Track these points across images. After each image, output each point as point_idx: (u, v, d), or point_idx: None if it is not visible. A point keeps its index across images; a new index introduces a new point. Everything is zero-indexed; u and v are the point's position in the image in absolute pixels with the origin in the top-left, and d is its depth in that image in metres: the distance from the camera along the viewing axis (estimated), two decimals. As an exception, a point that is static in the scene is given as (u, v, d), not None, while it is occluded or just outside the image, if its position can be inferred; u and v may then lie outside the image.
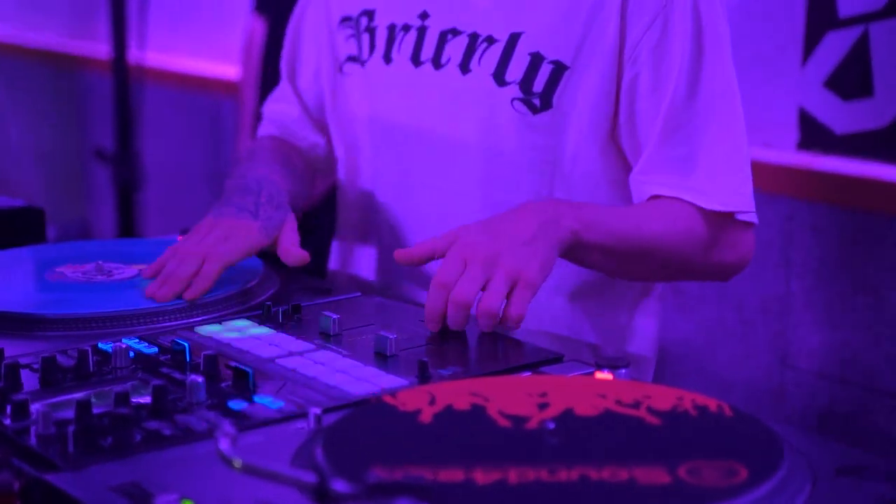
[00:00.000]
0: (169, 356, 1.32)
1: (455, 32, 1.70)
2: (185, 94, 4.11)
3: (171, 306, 1.48)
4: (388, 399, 1.16)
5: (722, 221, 1.63)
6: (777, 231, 2.47)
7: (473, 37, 1.68)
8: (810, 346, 2.44)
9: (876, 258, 2.34)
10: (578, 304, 1.70)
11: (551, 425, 1.09)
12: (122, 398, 1.16)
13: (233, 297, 1.54)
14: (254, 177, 1.69)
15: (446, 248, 1.46)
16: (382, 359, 1.33)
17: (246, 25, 3.15)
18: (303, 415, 1.15)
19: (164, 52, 4.07)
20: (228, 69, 3.78)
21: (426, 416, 1.12)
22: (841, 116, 2.39)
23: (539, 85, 1.64)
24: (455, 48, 1.69)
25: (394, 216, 1.78)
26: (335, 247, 1.92)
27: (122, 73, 3.68)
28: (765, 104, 2.49)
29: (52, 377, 1.25)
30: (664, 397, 1.16)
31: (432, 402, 1.15)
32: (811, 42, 2.40)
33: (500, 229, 1.48)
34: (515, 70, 1.65)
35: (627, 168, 1.68)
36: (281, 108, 1.94)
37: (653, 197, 1.64)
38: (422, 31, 1.73)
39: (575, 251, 1.53)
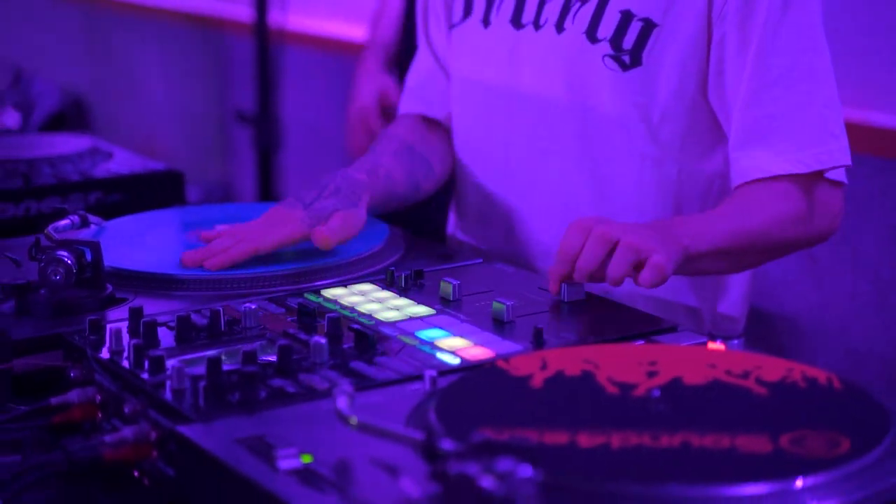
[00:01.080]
0: (295, 318, 1.39)
1: None
2: (324, 56, 4.18)
3: (298, 269, 1.55)
4: (501, 364, 1.21)
5: (813, 183, 1.64)
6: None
7: None
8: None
9: None
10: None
11: (657, 393, 1.13)
12: (250, 357, 1.22)
13: (357, 262, 1.60)
14: (335, 174, 1.72)
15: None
16: (499, 325, 1.38)
17: None
18: (419, 377, 1.20)
19: (304, 14, 4.14)
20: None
21: (537, 381, 1.17)
22: None
23: (629, 42, 1.67)
24: (552, 9, 1.73)
25: (492, 177, 1.83)
26: (452, 212, 1.97)
27: (264, 36, 3.77)
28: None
29: (187, 335, 1.33)
30: (774, 368, 1.19)
31: (544, 367, 1.20)
32: None
33: (632, 225, 1.51)
34: (606, 27, 1.68)
35: (716, 127, 1.70)
36: (421, 71, 1.97)
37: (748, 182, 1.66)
38: None
39: (686, 263, 1.53)
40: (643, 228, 1.49)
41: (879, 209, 2.48)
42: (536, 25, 1.74)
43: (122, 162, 2.16)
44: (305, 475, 1.01)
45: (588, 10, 1.70)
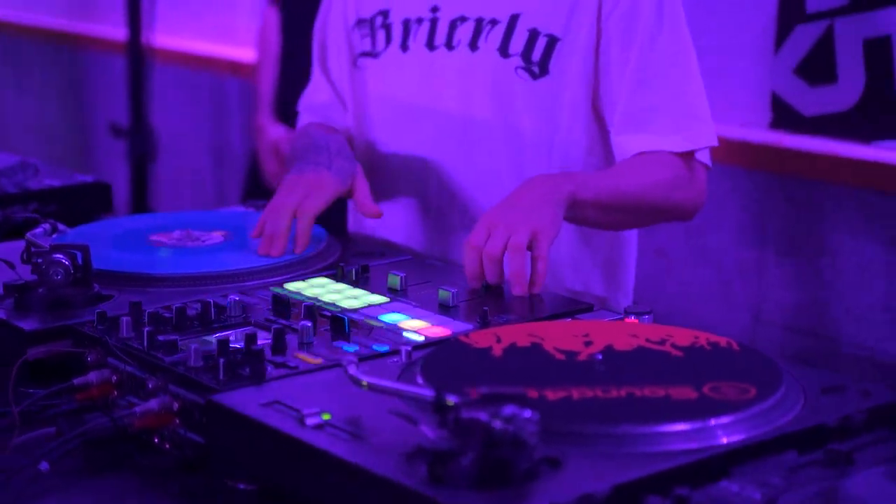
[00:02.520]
0: (270, 307, 1.60)
1: (463, 19, 1.99)
2: (190, 72, 4.35)
3: (263, 265, 1.77)
4: (462, 339, 1.45)
5: (684, 162, 1.93)
6: (754, 201, 2.76)
7: (479, 21, 1.97)
8: (783, 303, 2.74)
9: (836, 224, 2.64)
10: (582, 272, 2.00)
11: (599, 357, 1.38)
12: (252, 338, 1.43)
13: (304, 261, 1.81)
14: (319, 135, 1.98)
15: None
16: (446, 308, 1.61)
17: (262, 14, 3.42)
18: (396, 352, 1.43)
19: (171, 33, 4.31)
20: (231, 50, 4.06)
21: (497, 352, 1.41)
22: (808, 100, 2.67)
23: (537, 55, 1.94)
24: (464, 32, 1.98)
25: (412, 184, 2.06)
26: (353, 211, 2.20)
27: (137, 53, 3.94)
28: (741, 88, 2.78)
29: (183, 323, 1.53)
30: (684, 336, 1.45)
31: (499, 340, 1.44)
32: (783, 34, 2.69)
33: (513, 203, 1.77)
34: (517, 44, 1.94)
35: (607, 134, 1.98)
36: (319, 99, 2.21)
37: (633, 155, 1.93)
38: (434, 22, 2.01)
39: (574, 209, 1.80)
40: (523, 213, 1.73)
41: (729, 209, 2.80)
42: (449, 46, 1.99)
43: (51, 175, 2.32)
44: (331, 429, 1.23)
45: (499, 31, 1.95)
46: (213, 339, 1.47)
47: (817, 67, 2.65)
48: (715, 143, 1.94)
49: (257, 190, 3.12)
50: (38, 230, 1.82)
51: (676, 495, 1.08)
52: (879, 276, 2.58)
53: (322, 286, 1.70)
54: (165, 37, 4.21)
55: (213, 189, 4.31)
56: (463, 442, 1.14)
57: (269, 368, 1.39)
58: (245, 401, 1.31)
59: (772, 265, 2.75)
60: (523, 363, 1.39)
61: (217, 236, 1.90)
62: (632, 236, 2.08)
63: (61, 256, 1.63)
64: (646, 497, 1.09)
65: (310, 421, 1.24)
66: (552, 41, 1.93)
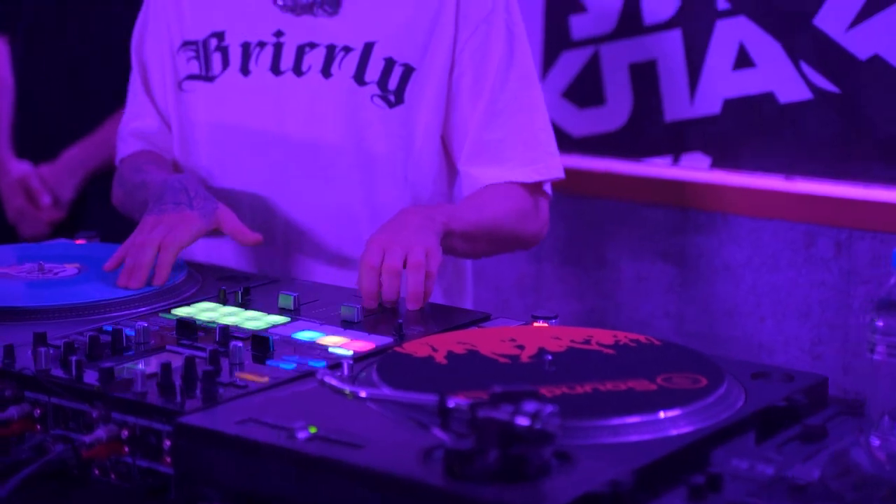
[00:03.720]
0: (174, 332, 1.56)
1: (312, 45, 1.98)
2: None
3: (141, 294, 1.70)
4: (399, 350, 1.46)
5: (533, 192, 2.01)
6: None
7: (331, 48, 1.98)
8: (561, 314, 2.84)
9: (612, 237, 2.78)
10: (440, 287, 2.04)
11: (549, 357, 1.42)
12: (191, 361, 1.38)
13: (173, 290, 1.76)
14: (173, 178, 1.91)
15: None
16: (350, 324, 1.61)
17: None
18: (337, 366, 1.42)
19: None
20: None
21: (440, 359, 1.43)
22: (578, 122, 2.81)
23: (393, 84, 1.97)
24: (314, 58, 1.98)
25: (255, 215, 2.02)
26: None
27: None
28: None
29: (96, 352, 1.46)
30: (603, 336, 1.51)
31: (435, 350, 1.46)
32: (549, 60, 2.81)
33: (401, 225, 1.79)
34: (373, 72, 1.97)
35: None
36: (145, 124, 2.14)
37: (484, 186, 1.99)
38: (278, 47, 2.00)
39: (445, 239, 1.83)
40: (414, 234, 1.76)
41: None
42: (298, 72, 1.98)
43: None
44: (324, 441, 1.22)
45: (354, 58, 1.96)
46: (138, 365, 1.42)
47: (585, 91, 2.78)
48: (562, 175, 2.02)
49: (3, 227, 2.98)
50: None
51: (709, 474, 1.13)
52: (657, 286, 2.73)
53: (213, 310, 1.66)
54: None
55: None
56: (482, 440, 1.16)
57: (219, 390, 1.36)
58: (218, 421, 1.27)
59: (550, 279, 2.86)
60: (472, 369, 1.41)
61: (72, 268, 1.82)
62: (468, 264, 2.14)
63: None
64: (678, 476, 1.15)
65: (300, 434, 1.23)
66: (408, 70, 1.96)
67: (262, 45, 2.00)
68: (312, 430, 1.24)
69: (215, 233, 1.87)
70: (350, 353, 1.50)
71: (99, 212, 2.74)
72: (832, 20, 2.49)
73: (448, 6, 1.96)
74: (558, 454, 1.19)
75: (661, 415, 1.27)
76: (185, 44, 2.05)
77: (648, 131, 2.73)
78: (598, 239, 2.80)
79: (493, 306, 2.91)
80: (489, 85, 1.97)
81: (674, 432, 1.25)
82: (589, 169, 2.78)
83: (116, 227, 2.14)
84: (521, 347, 1.47)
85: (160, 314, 1.64)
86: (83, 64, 2.85)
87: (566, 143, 2.80)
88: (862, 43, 2.47)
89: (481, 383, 1.33)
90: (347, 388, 1.27)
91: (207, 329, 1.56)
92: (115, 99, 2.44)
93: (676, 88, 2.67)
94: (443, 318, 1.68)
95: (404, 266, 1.71)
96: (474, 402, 1.17)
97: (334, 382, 1.27)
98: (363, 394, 1.25)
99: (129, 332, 1.52)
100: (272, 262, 2.02)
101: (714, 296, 2.66)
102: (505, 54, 1.97)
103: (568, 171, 2.74)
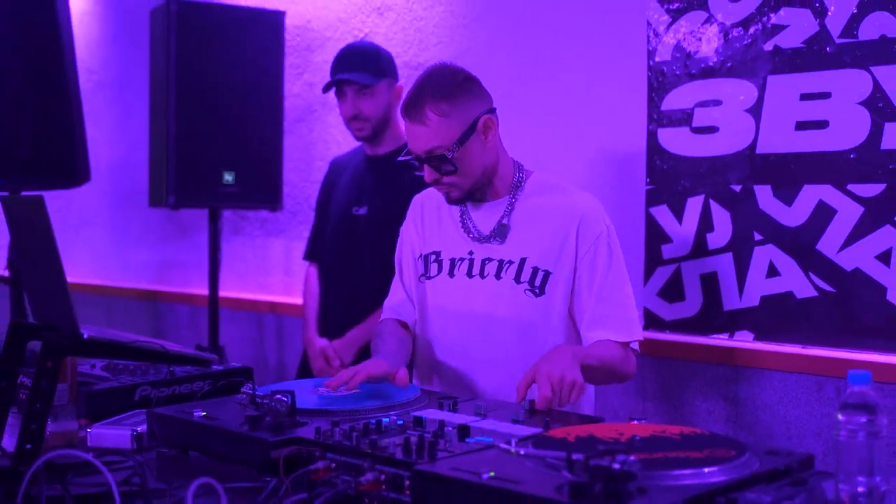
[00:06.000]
0: (412, 424, 1.73)
1: (489, 260, 2.19)
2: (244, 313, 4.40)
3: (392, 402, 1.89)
4: (546, 434, 1.60)
5: (625, 347, 2.13)
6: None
7: (500, 261, 2.18)
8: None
9: (689, 385, 2.82)
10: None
11: (638, 438, 1.54)
12: (436, 434, 1.55)
13: (413, 401, 1.93)
14: (388, 345, 2.15)
15: (534, 375, 1.90)
16: (517, 421, 1.74)
17: (306, 269, 3.46)
18: (508, 442, 1.56)
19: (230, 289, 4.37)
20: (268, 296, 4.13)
21: (571, 438, 1.56)
22: (667, 311, 2.86)
23: (537, 282, 2.15)
24: (491, 268, 2.18)
25: (455, 359, 2.22)
26: (414, 372, 2.34)
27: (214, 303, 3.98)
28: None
29: (367, 431, 1.64)
30: (673, 429, 1.62)
31: (568, 434, 1.59)
32: (649, 272, 2.91)
33: (556, 357, 1.94)
34: (525, 276, 2.15)
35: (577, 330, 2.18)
36: (397, 299, 2.35)
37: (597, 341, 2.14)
38: (471, 261, 2.21)
39: (582, 371, 1.99)
40: (563, 363, 1.91)
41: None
42: (482, 276, 2.19)
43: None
44: (498, 479, 1.36)
45: (514, 268, 2.17)
46: (386, 440, 1.59)
47: (671, 292, 2.87)
48: (641, 337, 2.16)
49: (306, 375, 3.16)
50: (246, 387, 1.91)
51: (729, 498, 1.24)
52: (718, 418, 2.76)
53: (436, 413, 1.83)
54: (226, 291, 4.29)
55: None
56: (592, 477, 1.29)
57: (439, 453, 1.51)
58: (437, 468, 1.43)
59: (650, 413, 2.91)
60: (594, 444, 1.54)
61: (347, 393, 2.01)
62: (591, 386, 2.27)
63: (282, 397, 1.74)
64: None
65: (485, 476, 1.37)
66: (547, 274, 2.16)
67: (461, 259, 2.23)
68: (492, 473, 1.39)
69: (389, 377, 2.00)
70: (517, 436, 1.64)
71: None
72: (828, 245, 2.56)
73: (571, 234, 2.14)
74: (639, 489, 1.30)
75: (705, 470, 1.38)
76: (421, 255, 2.30)
77: (712, 317, 2.80)
78: (680, 386, 2.86)
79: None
80: (597, 283, 2.14)
81: (711, 480, 1.36)
82: (674, 341, 2.85)
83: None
84: (621, 433, 1.59)
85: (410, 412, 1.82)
86: (365, 282, 2.96)
87: (659, 324, 2.90)
88: (848, 260, 2.53)
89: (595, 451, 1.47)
90: (514, 450, 1.41)
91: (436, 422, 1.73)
92: (378, 294, 2.59)
93: (729, 290, 2.75)
94: (574, 418, 1.81)
95: None
96: (587, 455, 1.31)
97: (506, 447, 1.42)
98: (522, 452, 1.40)
99: (385, 421, 1.70)
100: (459, 390, 2.21)
101: (757, 423, 2.67)
102: (606, 261, 2.14)
103: (660, 342, 2.85)
